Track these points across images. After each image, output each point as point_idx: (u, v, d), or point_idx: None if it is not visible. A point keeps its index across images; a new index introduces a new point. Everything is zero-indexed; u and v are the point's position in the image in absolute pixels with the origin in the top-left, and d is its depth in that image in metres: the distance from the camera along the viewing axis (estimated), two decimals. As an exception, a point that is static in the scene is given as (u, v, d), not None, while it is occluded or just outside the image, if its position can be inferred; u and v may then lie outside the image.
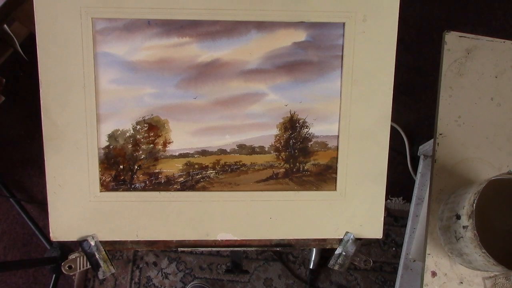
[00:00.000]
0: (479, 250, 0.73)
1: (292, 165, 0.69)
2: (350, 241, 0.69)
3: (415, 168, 1.43)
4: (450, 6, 1.55)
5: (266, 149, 0.69)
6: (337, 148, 0.69)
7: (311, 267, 1.41)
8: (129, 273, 1.49)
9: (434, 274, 0.85)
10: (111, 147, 0.67)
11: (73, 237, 0.67)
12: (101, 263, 0.67)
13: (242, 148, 0.68)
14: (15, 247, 1.53)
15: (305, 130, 0.69)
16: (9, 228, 1.54)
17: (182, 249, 0.68)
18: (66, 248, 1.40)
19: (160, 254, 1.50)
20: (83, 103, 0.65)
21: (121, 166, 0.67)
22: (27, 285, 1.52)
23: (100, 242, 0.67)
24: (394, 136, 1.48)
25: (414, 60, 1.54)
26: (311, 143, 0.69)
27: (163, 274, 1.50)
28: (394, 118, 0.71)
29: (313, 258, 1.41)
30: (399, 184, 1.47)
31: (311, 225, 0.70)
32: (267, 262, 1.47)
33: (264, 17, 0.65)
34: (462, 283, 0.85)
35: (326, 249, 0.74)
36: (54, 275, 1.46)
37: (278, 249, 0.70)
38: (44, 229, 1.49)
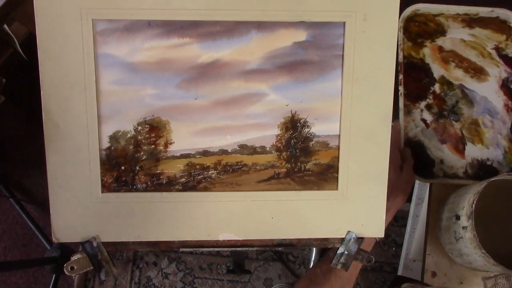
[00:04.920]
0: (479, 251, 0.73)
1: (293, 165, 0.69)
2: (352, 240, 0.69)
3: (415, 168, 1.43)
4: (450, 6, 1.55)
5: (268, 149, 0.69)
6: (338, 147, 0.69)
7: (311, 267, 1.41)
8: (129, 273, 1.49)
9: (434, 274, 0.85)
10: (112, 148, 0.67)
11: (75, 238, 0.67)
12: (104, 264, 0.67)
13: (244, 148, 0.68)
14: (15, 247, 1.53)
15: (306, 129, 0.69)
16: (9, 228, 1.54)
17: (183, 249, 0.68)
18: (66, 248, 1.40)
19: (160, 254, 1.50)
20: (84, 105, 0.65)
21: (123, 167, 0.67)
22: (27, 285, 1.52)
23: (102, 243, 0.67)
24: (394, 135, 1.47)
25: (413, 59, 1.54)
26: (312, 142, 0.69)
27: (163, 274, 1.50)
28: (395, 118, 0.71)
29: (313, 258, 1.41)
30: (399, 183, 1.47)
31: (313, 224, 0.70)
32: (267, 262, 1.47)
33: (264, 17, 0.65)
34: (462, 283, 0.85)
35: (326, 249, 0.74)
36: (54, 275, 1.46)
37: (279, 249, 0.70)
38: (44, 229, 1.49)
